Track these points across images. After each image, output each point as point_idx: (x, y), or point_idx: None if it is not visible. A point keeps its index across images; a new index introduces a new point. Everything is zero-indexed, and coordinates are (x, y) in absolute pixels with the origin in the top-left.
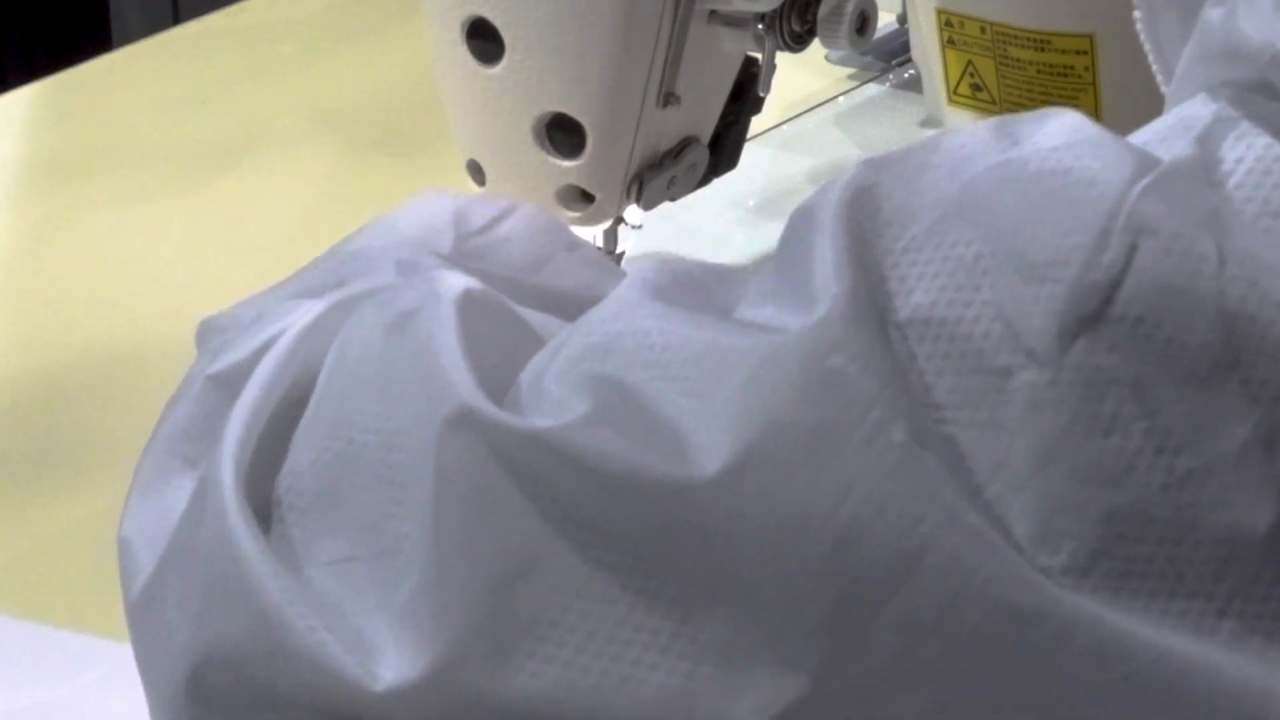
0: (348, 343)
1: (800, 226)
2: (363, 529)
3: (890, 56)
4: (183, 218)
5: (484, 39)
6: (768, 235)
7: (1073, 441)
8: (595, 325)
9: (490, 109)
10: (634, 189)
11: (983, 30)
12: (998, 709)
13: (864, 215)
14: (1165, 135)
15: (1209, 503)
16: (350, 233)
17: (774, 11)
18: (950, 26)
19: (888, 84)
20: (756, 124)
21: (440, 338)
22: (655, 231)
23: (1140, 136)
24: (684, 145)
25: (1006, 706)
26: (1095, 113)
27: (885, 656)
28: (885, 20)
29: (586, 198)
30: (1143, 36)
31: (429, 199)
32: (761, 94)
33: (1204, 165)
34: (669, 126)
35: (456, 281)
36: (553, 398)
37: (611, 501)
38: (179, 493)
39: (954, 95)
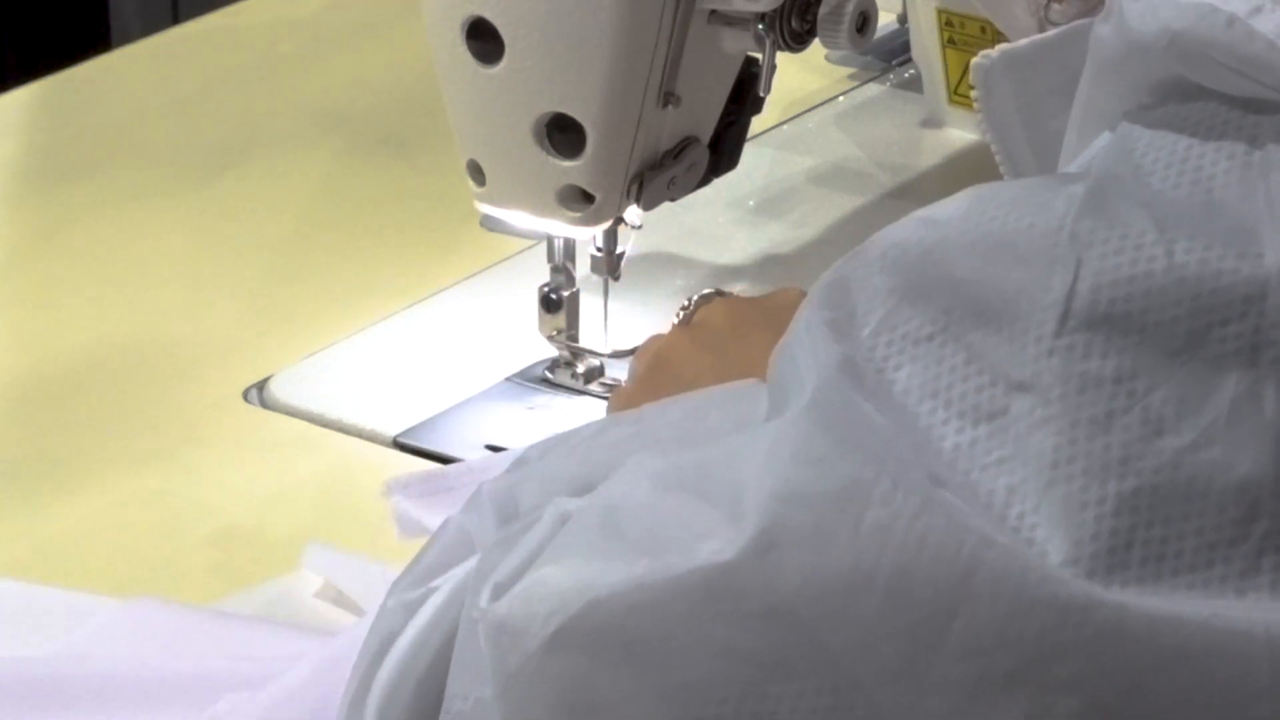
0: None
1: (780, 350)
2: None
3: (890, 56)
4: (183, 218)
5: (484, 39)
6: (768, 235)
7: (1076, 448)
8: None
9: (490, 109)
10: (634, 189)
11: (983, 30)
12: (1075, 710)
13: (837, 305)
14: (1084, 166)
15: (1216, 468)
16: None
17: (774, 11)
18: (950, 26)
19: (888, 84)
20: (756, 124)
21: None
22: (655, 231)
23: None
24: (684, 145)
25: (1082, 703)
26: None
27: (963, 685)
28: (885, 20)
29: (586, 198)
30: (980, 114)
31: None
32: (761, 94)
33: (1127, 171)
34: (669, 126)
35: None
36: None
37: (668, 622)
38: None
39: (954, 95)
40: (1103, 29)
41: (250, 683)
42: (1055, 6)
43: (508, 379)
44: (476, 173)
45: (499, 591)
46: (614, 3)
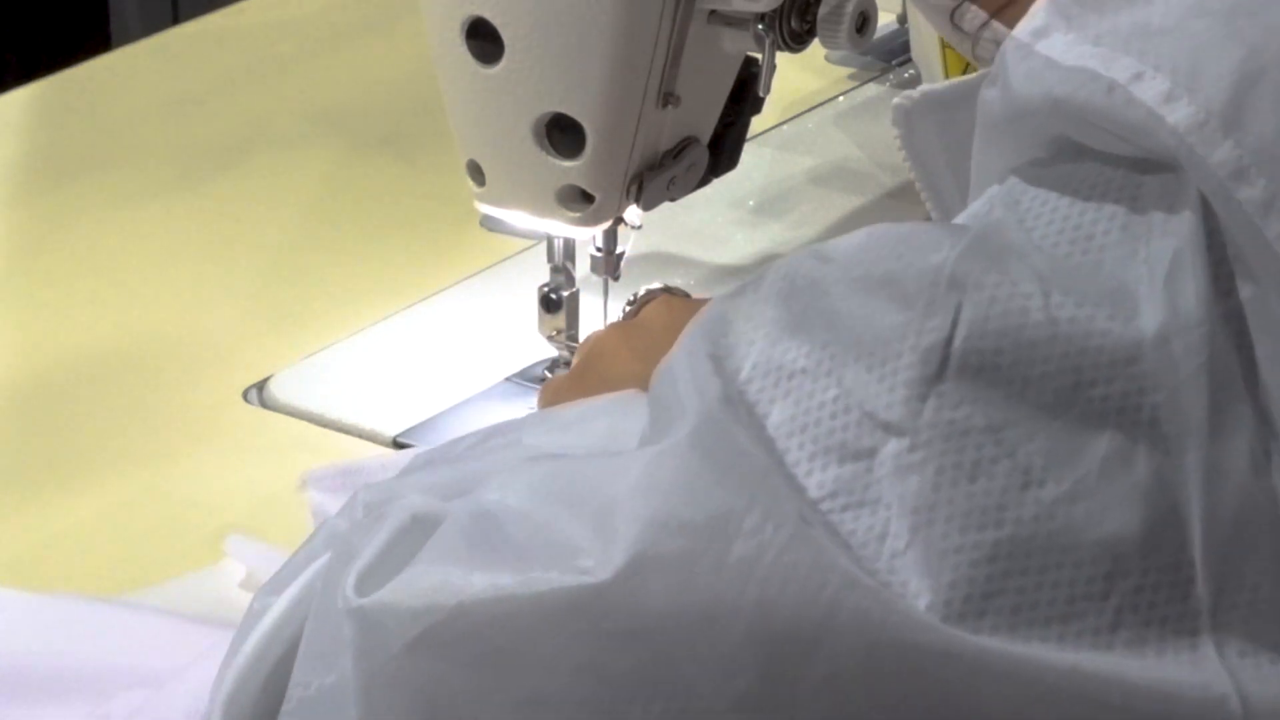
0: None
1: (662, 373)
2: None
3: (890, 56)
4: (183, 218)
5: (484, 39)
6: (768, 235)
7: (943, 495)
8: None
9: (490, 109)
10: (634, 189)
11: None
12: None
13: (717, 340)
14: (972, 215)
15: (1081, 524)
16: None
17: (774, 11)
18: None
19: (888, 84)
20: (756, 124)
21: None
22: (655, 231)
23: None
24: (684, 145)
25: None
26: None
27: (816, 717)
28: (885, 20)
29: (586, 198)
30: (904, 153)
31: None
32: (761, 94)
33: (1012, 222)
34: (669, 126)
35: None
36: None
37: (531, 632)
38: None
39: None
40: (989, 93)
41: (153, 679)
42: (985, 43)
43: (508, 379)
44: (476, 173)
45: (365, 584)
46: (614, 3)
